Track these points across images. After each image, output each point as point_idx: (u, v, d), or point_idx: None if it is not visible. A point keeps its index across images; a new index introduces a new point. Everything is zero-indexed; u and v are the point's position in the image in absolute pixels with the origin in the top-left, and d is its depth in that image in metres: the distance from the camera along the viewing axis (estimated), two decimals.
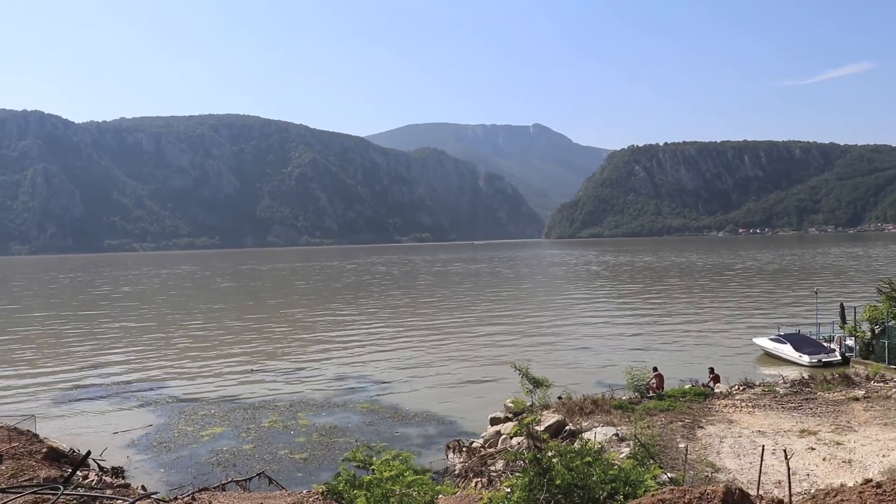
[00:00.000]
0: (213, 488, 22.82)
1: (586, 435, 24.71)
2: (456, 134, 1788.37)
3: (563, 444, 19.85)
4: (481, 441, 29.70)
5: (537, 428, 25.52)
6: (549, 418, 27.82)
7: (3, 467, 22.76)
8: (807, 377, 35.35)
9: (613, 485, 13.17)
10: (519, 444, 25.29)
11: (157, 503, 18.25)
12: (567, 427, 27.13)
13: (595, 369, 48.45)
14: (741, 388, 33.37)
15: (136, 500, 17.56)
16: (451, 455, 29.16)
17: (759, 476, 16.90)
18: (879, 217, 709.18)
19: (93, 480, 23.26)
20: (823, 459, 22.25)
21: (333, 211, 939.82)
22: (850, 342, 45.93)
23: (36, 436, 28.71)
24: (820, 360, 45.07)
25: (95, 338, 72.75)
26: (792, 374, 38.65)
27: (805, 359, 45.75)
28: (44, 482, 20.28)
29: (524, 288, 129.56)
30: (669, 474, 19.76)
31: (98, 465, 27.35)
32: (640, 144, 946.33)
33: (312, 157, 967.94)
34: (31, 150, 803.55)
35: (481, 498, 15.04)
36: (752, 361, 49.51)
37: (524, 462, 14.19)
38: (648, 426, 26.11)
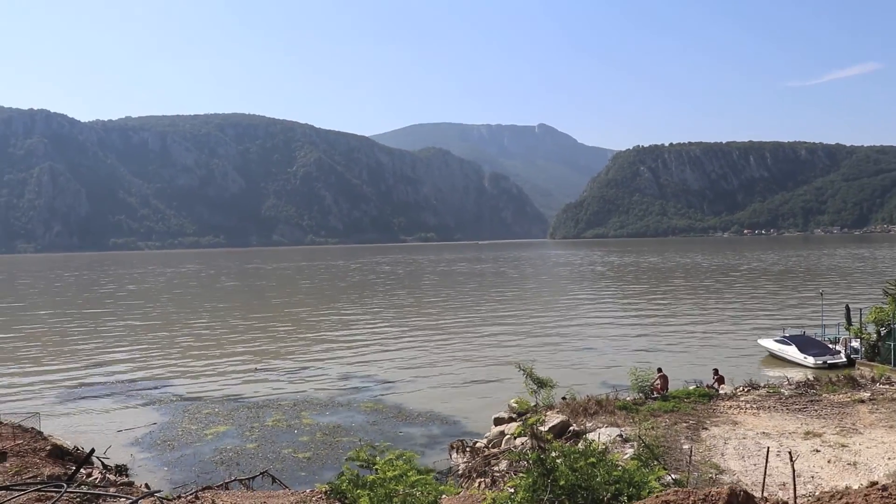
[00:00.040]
0: (217, 487, 22.85)
1: (590, 436, 24.68)
2: (461, 134, 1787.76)
3: (567, 444, 19.81)
4: (485, 441, 29.68)
5: (541, 428, 25.48)
6: (553, 419, 27.77)
7: (8, 464, 22.81)
8: (812, 379, 35.27)
9: (617, 486, 13.11)
10: (523, 444, 25.23)
11: (161, 501, 18.27)
12: (571, 427, 27.09)
13: (599, 370, 48.37)
14: (746, 390, 33.30)
15: (140, 499, 17.56)
16: (454, 455, 29.14)
17: (764, 478, 16.83)
18: (885, 218, 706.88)
19: (96, 478, 23.32)
20: (828, 462, 22.17)
21: (338, 210, 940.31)
22: (855, 344, 45.80)
23: (40, 433, 28.78)
24: (825, 362, 44.95)
25: (100, 336, 72.89)
26: (797, 375, 38.56)
27: (810, 360, 45.63)
28: (47, 480, 20.33)
29: (529, 288, 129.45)
30: (674, 476, 19.70)
31: (102, 463, 27.40)
32: (646, 145, 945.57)
33: (318, 156, 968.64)
34: (37, 148, 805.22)
35: (485, 498, 14.99)
36: (756, 363, 49.39)
37: (528, 462, 14.14)
38: (653, 427, 26.06)
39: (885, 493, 10.89)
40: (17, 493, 17.20)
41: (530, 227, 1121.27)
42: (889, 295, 44.87)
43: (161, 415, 38.71)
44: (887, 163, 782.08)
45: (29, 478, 20.96)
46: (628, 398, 31.48)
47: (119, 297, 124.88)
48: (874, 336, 43.59)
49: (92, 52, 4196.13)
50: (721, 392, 33.27)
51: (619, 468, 13.93)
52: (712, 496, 10.66)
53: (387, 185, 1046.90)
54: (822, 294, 62.05)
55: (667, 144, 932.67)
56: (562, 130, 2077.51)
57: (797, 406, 29.37)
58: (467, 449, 28.93)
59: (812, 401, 30.22)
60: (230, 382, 47.69)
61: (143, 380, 49.06)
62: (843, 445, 23.61)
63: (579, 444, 16.97)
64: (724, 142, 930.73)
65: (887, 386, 32.90)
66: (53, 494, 17.12)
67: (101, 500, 18.25)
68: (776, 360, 49.13)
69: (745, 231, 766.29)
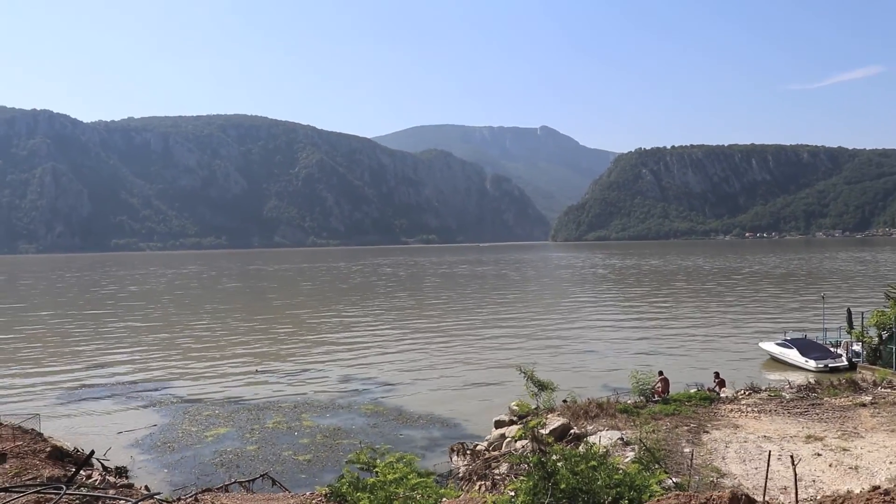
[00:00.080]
0: (217, 489, 22.78)
1: (591, 439, 24.63)
2: (463, 136, 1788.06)
3: (568, 447, 19.77)
4: (485, 444, 29.63)
5: (542, 431, 25.44)
6: (554, 421, 27.73)
7: (7, 466, 22.78)
8: (813, 382, 35.19)
9: (618, 489, 13.08)
10: (523, 447, 25.20)
11: (160, 503, 18.22)
12: (572, 430, 27.04)
13: (600, 373, 48.34)
14: (747, 393, 33.23)
15: (139, 501, 17.52)
16: (455, 458, 29.10)
17: (766, 482, 16.77)
18: (887, 222, 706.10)
19: (96, 480, 23.28)
20: (830, 465, 22.10)
21: (340, 212, 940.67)
22: (857, 347, 45.75)
23: (40, 435, 28.76)
24: (826, 366, 44.89)
25: (101, 337, 72.91)
26: (798, 379, 38.51)
27: (811, 364, 45.57)
28: (47, 481, 20.29)
29: (530, 291, 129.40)
30: (675, 479, 19.65)
31: (102, 464, 27.38)
32: (648, 147, 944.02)
33: (320, 157, 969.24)
34: (39, 149, 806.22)
35: (485, 501, 14.96)
36: (758, 366, 49.33)
37: (529, 465, 14.13)
38: (654, 430, 25.99)
39: (887, 498, 10.84)
40: (16, 495, 17.15)
41: (532, 229, 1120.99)
42: (891, 298, 44.81)
43: (161, 416, 38.69)
44: (889, 166, 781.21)
45: (28, 479, 20.93)
46: (629, 401, 31.40)
47: (120, 299, 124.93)
48: (876, 340, 43.54)
49: (95, 53, 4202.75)
50: (722, 395, 33.21)
51: (620, 471, 13.92)
52: (714, 500, 10.61)
53: (388, 186, 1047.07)
54: (823, 297, 61.97)
55: (669, 147, 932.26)
56: (564, 132, 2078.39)
57: (798, 410, 29.29)
58: (468, 452, 28.88)
59: (813, 404, 30.14)
60: (231, 384, 47.67)
61: (144, 381, 49.06)
62: (844, 449, 23.53)
63: (580, 448, 16.96)
64: (726, 144, 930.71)
65: (889, 390, 32.81)
66: (53, 496, 17.07)
67: (100, 502, 18.20)
68: (777, 363, 49.08)
69: (747, 234, 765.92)
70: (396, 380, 47.79)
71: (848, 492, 16.85)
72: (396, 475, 14.24)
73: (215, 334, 74.23)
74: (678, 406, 30.04)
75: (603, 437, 24.99)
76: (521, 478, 15.39)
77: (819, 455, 23.05)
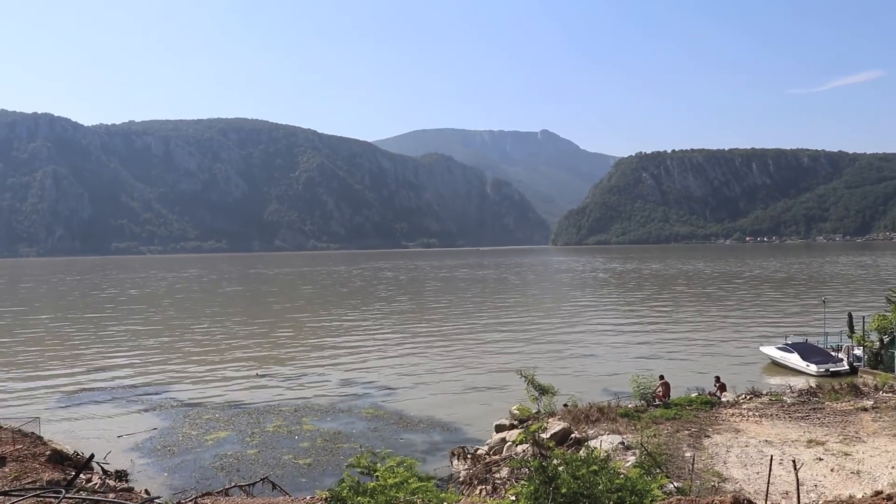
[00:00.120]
0: (217, 493, 22.77)
1: (592, 443, 24.56)
2: (464, 140, 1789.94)
3: (569, 452, 19.73)
4: (486, 448, 29.57)
5: (543, 435, 25.41)
6: (555, 426, 27.68)
7: (7, 469, 22.74)
8: (814, 387, 35.12)
9: (620, 494, 13.05)
10: (524, 451, 25.15)
11: None
12: (572, 435, 26.99)
13: (601, 377, 48.28)
14: (748, 397, 33.18)
15: None
16: (455, 462, 29.04)
17: (768, 486, 16.72)
18: (888, 226, 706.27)
19: (96, 484, 23.24)
20: (831, 470, 22.05)
21: (340, 216, 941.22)
22: (858, 352, 45.66)
23: (40, 438, 28.73)
24: (827, 370, 44.82)
25: (101, 341, 72.88)
26: (799, 383, 38.42)
27: (812, 368, 45.50)
28: (47, 485, 20.25)
29: (530, 295, 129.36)
30: (676, 484, 19.61)
31: (102, 468, 27.34)
32: (648, 151, 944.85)
33: (320, 161, 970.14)
34: (40, 152, 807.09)
35: None
36: (758, 370, 49.26)
37: (529, 470, 14.09)
38: (655, 435, 25.95)
39: (889, 503, 10.80)
40: (15, 499, 17.12)
41: (532, 233, 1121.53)
42: (892, 303, 44.77)
43: (161, 420, 38.64)
44: (890, 170, 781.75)
45: (28, 483, 20.89)
46: (630, 405, 31.35)
47: (121, 302, 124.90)
48: (877, 344, 43.44)
49: (96, 57, 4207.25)
50: (723, 400, 33.14)
51: (622, 476, 13.87)
52: None
53: (389, 190, 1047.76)
54: (824, 302, 61.88)
55: (669, 151, 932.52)
56: (564, 137, 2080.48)
57: (800, 414, 29.24)
58: (468, 456, 28.82)
59: (815, 409, 30.10)
60: (231, 388, 47.62)
61: (144, 385, 49.02)
62: (846, 454, 23.48)
63: (581, 452, 16.91)
64: (726, 149, 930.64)
65: (890, 394, 32.76)
66: (52, 500, 17.03)
67: None
68: (778, 367, 49.01)
69: (748, 238, 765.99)
70: (397, 384, 47.74)
71: (850, 497, 16.81)
72: (397, 479, 14.18)
73: (216, 338, 74.19)
74: (679, 410, 29.98)
75: (604, 442, 24.94)
76: (522, 482, 15.35)
77: (821, 460, 23.00)
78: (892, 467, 22.04)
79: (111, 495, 20.37)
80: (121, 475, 27.61)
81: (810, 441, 25.06)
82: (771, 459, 18.93)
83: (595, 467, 13.52)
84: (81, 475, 23.28)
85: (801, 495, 16.77)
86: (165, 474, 29.34)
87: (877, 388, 34.40)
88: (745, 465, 22.84)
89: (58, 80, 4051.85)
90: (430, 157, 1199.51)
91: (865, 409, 29.51)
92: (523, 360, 51.11)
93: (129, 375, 52.67)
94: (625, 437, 25.87)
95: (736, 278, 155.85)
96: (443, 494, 16.16)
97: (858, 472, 21.78)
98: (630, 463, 21.38)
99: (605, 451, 20.78)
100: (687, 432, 26.73)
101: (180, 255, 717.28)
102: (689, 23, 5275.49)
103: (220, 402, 42.76)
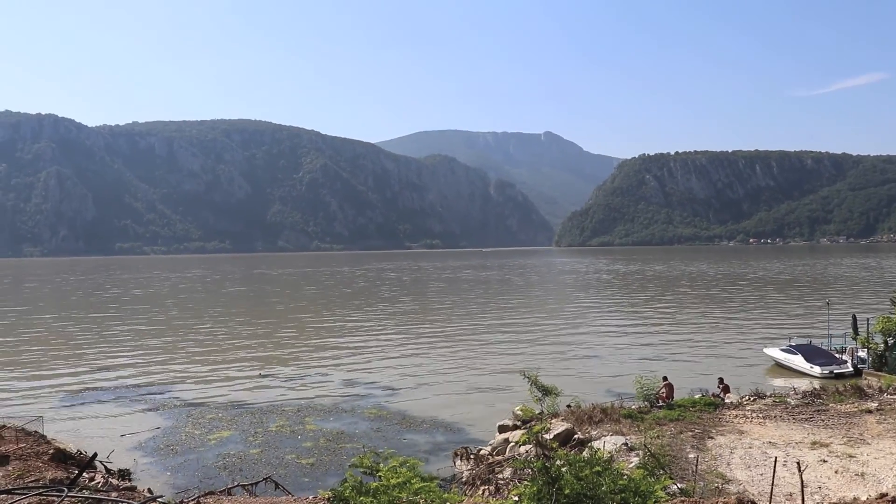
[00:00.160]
0: (219, 492, 22.77)
1: (595, 444, 24.50)
2: (467, 141, 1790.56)
3: (572, 453, 19.69)
4: (489, 449, 29.53)
5: (546, 436, 25.34)
6: (558, 426, 27.63)
7: (10, 468, 22.75)
8: (818, 388, 35.04)
9: (623, 495, 13.00)
10: (527, 452, 25.09)
11: None
12: (576, 436, 26.94)
13: (604, 378, 48.22)
14: (752, 399, 33.10)
15: None
16: (458, 462, 29.01)
17: (772, 488, 16.68)
18: (892, 228, 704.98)
19: (99, 482, 23.24)
20: (836, 472, 21.98)
21: (344, 217, 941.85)
22: (862, 354, 45.54)
23: (43, 437, 28.75)
24: (831, 372, 44.74)
25: (105, 340, 72.96)
26: (803, 385, 38.34)
27: (816, 370, 45.41)
28: (50, 484, 20.25)
29: (534, 296, 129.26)
30: (680, 485, 19.55)
31: (105, 467, 27.36)
32: (651, 153, 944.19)
33: (323, 162, 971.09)
34: (44, 153, 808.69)
35: None
36: (762, 372, 49.18)
37: (532, 470, 14.03)
38: (658, 436, 25.88)
39: None
40: (18, 497, 17.12)
41: (535, 234, 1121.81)
42: None
43: (165, 419, 38.67)
44: (894, 172, 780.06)
45: (31, 482, 20.90)
46: (633, 406, 31.30)
47: (124, 302, 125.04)
48: (881, 346, 43.34)
49: (100, 58, 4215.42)
50: (727, 401, 33.07)
51: (625, 477, 13.82)
52: None
53: (392, 191, 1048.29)
54: (828, 303, 61.81)
55: (672, 153, 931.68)
56: (567, 138, 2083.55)
57: (804, 416, 29.16)
58: (471, 456, 28.79)
59: (819, 410, 30.01)
60: (234, 388, 47.64)
61: (147, 384, 49.04)
62: (850, 456, 23.41)
63: (584, 453, 16.85)
64: (729, 150, 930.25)
65: (895, 396, 32.66)
66: (54, 499, 17.03)
67: None
68: (782, 369, 48.92)
69: (751, 240, 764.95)
70: (400, 384, 47.71)
71: (854, 499, 16.76)
72: (400, 479, 14.15)
73: (219, 338, 74.23)
74: (683, 412, 29.92)
75: (607, 443, 24.89)
76: (525, 483, 15.30)
77: (825, 461, 22.93)
78: None
79: (114, 494, 20.36)
80: (124, 474, 27.63)
81: (814, 443, 24.99)
82: (775, 461, 18.90)
83: (598, 468, 13.47)
84: (84, 474, 23.30)
85: (805, 497, 16.73)
86: (168, 473, 29.35)
87: (881, 390, 34.30)
88: (749, 467, 22.78)
89: (59, 82, 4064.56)
90: (433, 159, 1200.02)
91: (870, 411, 29.42)
92: (527, 361, 51.12)
93: (133, 375, 52.71)
94: (628, 438, 25.82)
95: (739, 280, 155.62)
96: (446, 495, 16.13)
97: (863, 475, 21.71)
98: (633, 464, 21.33)
99: (609, 452, 20.73)
100: (690, 434, 26.68)
101: (184, 255, 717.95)
102: (692, 25, 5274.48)
103: (223, 402, 42.78)
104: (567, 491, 12.80)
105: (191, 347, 67.58)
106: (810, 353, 47.78)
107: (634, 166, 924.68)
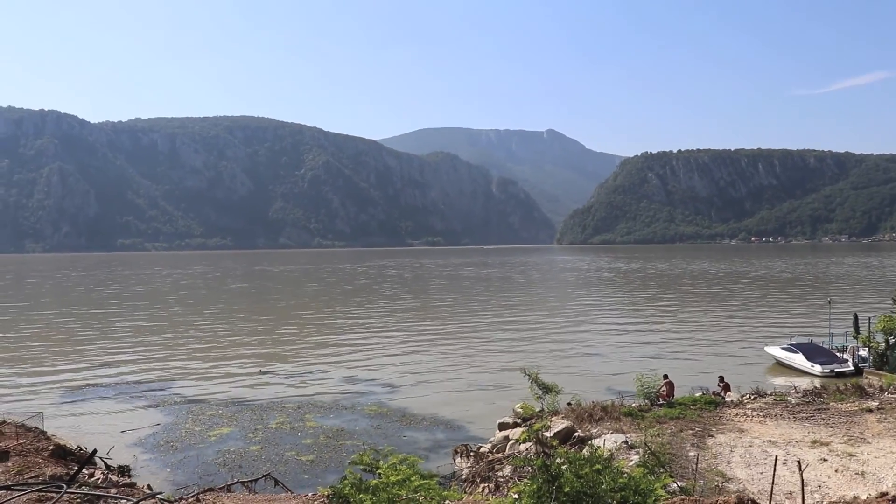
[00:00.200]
0: (219, 489, 22.75)
1: (595, 442, 24.48)
2: (469, 139, 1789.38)
3: (572, 450, 19.65)
4: (489, 446, 29.51)
5: (546, 434, 25.31)
6: (558, 424, 27.60)
7: (10, 464, 22.75)
8: (819, 387, 34.98)
9: (623, 493, 12.96)
10: (527, 449, 25.08)
11: (162, 503, 18.17)
12: (576, 433, 26.90)
13: (605, 376, 48.19)
14: (752, 397, 33.04)
15: (141, 500, 17.48)
16: (458, 460, 29.00)
17: (772, 487, 16.63)
18: (894, 227, 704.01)
19: (98, 479, 23.24)
20: (836, 471, 21.93)
21: (346, 214, 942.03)
22: (863, 353, 45.47)
23: (43, 433, 28.76)
24: (832, 371, 44.68)
25: (106, 336, 72.99)
26: (804, 383, 38.27)
27: (817, 369, 45.34)
28: (49, 480, 20.24)
29: (535, 293, 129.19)
30: (680, 483, 19.52)
31: (105, 463, 27.38)
32: (654, 151, 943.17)
33: (326, 159, 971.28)
34: (47, 149, 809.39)
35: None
36: (763, 370, 49.12)
37: (532, 468, 14.00)
38: (658, 434, 25.84)
39: None
40: (17, 493, 17.11)
41: (537, 232, 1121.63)
42: None
43: (165, 416, 38.68)
44: None
45: (31, 478, 20.89)
46: (634, 404, 31.26)
47: (125, 298, 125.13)
48: (882, 345, 43.28)
49: (103, 54, 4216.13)
50: (727, 399, 33.02)
51: (625, 475, 13.79)
52: None
53: (394, 188, 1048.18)
54: (830, 302, 61.78)
55: (675, 151, 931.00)
56: (570, 136, 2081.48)
57: (804, 414, 29.11)
58: (471, 454, 28.78)
59: (819, 409, 29.95)
60: (235, 384, 47.64)
61: (148, 381, 49.06)
62: (850, 455, 23.36)
63: (584, 451, 16.82)
64: (732, 149, 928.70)
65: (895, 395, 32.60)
66: (54, 495, 17.02)
67: (101, 501, 18.14)
68: (783, 367, 48.86)
69: (753, 238, 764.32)
70: (400, 381, 47.71)
71: (854, 498, 16.72)
72: (399, 477, 14.14)
73: (220, 335, 74.25)
74: (683, 410, 29.88)
75: (607, 441, 24.85)
76: (525, 480, 15.28)
77: (825, 460, 22.88)
78: None
79: (113, 490, 20.36)
80: (123, 470, 27.64)
81: (815, 441, 24.94)
82: (775, 460, 18.86)
83: (598, 466, 13.44)
84: (84, 470, 23.28)
85: (805, 496, 16.67)
86: (168, 470, 29.35)
87: (882, 389, 34.23)
88: (749, 465, 22.74)
89: (61, 80, 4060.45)
90: (435, 156, 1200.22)
91: (870, 410, 29.37)
92: (527, 359, 51.08)
93: (133, 371, 52.73)
94: (628, 436, 25.78)
95: (741, 278, 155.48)
96: (445, 492, 16.12)
97: (863, 473, 21.66)
98: (633, 462, 21.30)
99: (609, 450, 20.71)
100: (691, 432, 26.63)
101: (185, 252, 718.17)
102: (693, 25, 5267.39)
103: (223, 399, 42.78)
104: (567, 489, 12.77)
105: (191, 344, 67.60)
106: (811, 351, 47.72)
107: (637, 164, 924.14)
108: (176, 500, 18.91)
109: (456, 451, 29.79)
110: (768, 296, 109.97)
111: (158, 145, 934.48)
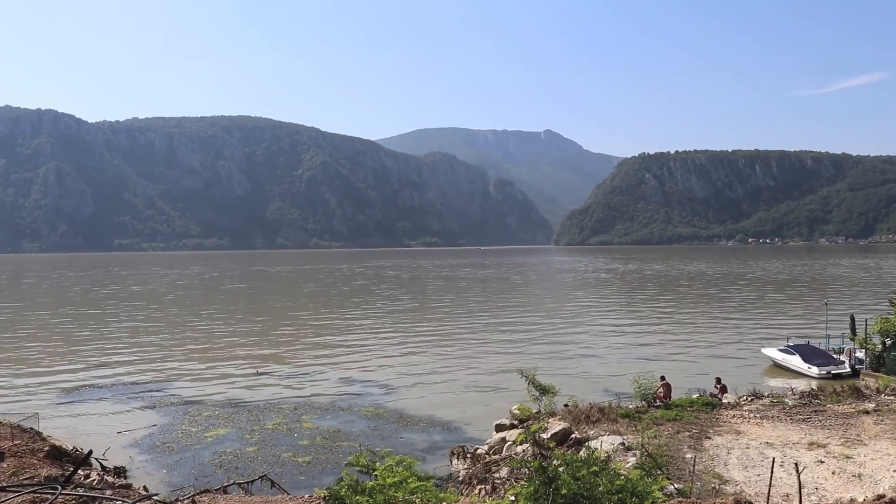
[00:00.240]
0: (215, 490, 22.70)
1: (592, 443, 24.45)
2: (467, 139, 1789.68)
3: (569, 452, 19.64)
4: (486, 448, 29.47)
5: (543, 436, 25.30)
6: (555, 426, 27.56)
7: (5, 465, 22.68)
8: (816, 389, 34.98)
9: (620, 495, 12.95)
10: (524, 451, 25.04)
11: None
12: (573, 435, 26.87)
13: (602, 378, 48.18)
14: (749, 399, 33.03)
15: (137, 502, 17.42)
16: (455, 461, 28.95)
17: (769, 489, 16.62)
18: (891, 228, 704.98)
19: (94, 480, 23.15)
20: (833, 473, 21.92)
21: (343, 214, 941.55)
22: (860, 354, 45.50)
23: (39, 434, 28.66)
24: (829, 372, 44.68)
25: (102, 337, 72.87)
26: (801, 385, 38.31)
27: (814, 370, 45.36)
28: (44, 481, 20.18)
29: (532, 294, 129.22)
30: (677, 485, 19.50)
31: (100, 464, 27.31)
32: (651, 152, 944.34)
33: (323, 159, 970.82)
34: (44, 148, 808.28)
35: None
36: (760, 372, 49.12)
37: (529, 470, 13.99)
38: (655, 436, 25.82)
39: None
40: (11, 495, 17.04)
41: (535, 233, 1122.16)
42: (895, 305, 44.60)
43: (161, 417, 38.59)
44: (893, 173, 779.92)
45: (26, 479, 20.82)
46: (631, 406, 31.24)
47: (122, 299, 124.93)
48: (879, 346, 43.31)
49: (100, 53, 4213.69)
50: (724, 401, 33.01)
51: (622, 477, 13.78)
52: None
53: (392, 189, 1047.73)
54: (826, 304, 61.73)
55: (672, 152, 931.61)
56: (567, 137, 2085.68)
57: (801, 416, 29.11)
58: (468, 455, 28.73)
59: (816, 411, 29.95)
60: (231, 385, 47.56)
61: (144, 381, 48.96)
62: (847, 457, 23.36)
63: (581, 452, 16.79)
64: (729, 150, 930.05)
65: (892, 397, 32.60)
66: (49, 496, 16.95)
67: (97, 503, 18.07)
68: (780, 369, 48.87)
69: (750, 240, 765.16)
70: (397, 382, 47.65)
71: (851, 500, 16.72)
72: (396, 479, 14.11)
73: (216, 335, 74.15)
74: (680, 411, 29.87)
75: (604, 443, 24.82)
76: (522, 482, 15.26)
77: (822, 462, 22.88)
78: (894, 470, 21.91)
79: (109, 492, 20.29)
80: (119, 471, 27.58)
81: (811, 443, 24.94)
82: (772, 462, 18.85)
83: (595, 468, 13.42)
84: (80, 471, 23.21)
85: (802, 498, 16.67)
86: (164, 471, 29.28)
87: (879, 391, 34.25)
88: (746, 467, 22.73)
89: (58, 79, 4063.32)
90: (433, 156, 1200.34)
91: (867, 412, 29.38)
92: (524, 360, 51.07)
93: (130, 372, 52.62)
94: (625, 437, 25.76)
95: (738, 280, 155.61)
96: (442, 494, 16.08)
97: (860, 475, 21.66)
98: (631, 464, 21.28)
99: (606, 452, 20.67)
100: (688, 434, 26.62)
101: (182, 252, 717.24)
102: (691, 25, 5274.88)
103: (219, 400, 42.70)
104: (564, 491, 12.75)
105: (188, 345, 67.50)
106: (808, 353, 47.74)
107: (634, 165, 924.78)
108: (172, 502, 18.86)
109: (453, 453, 29.74)
110: (765, 297, 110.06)
111: (156, 145, 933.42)
